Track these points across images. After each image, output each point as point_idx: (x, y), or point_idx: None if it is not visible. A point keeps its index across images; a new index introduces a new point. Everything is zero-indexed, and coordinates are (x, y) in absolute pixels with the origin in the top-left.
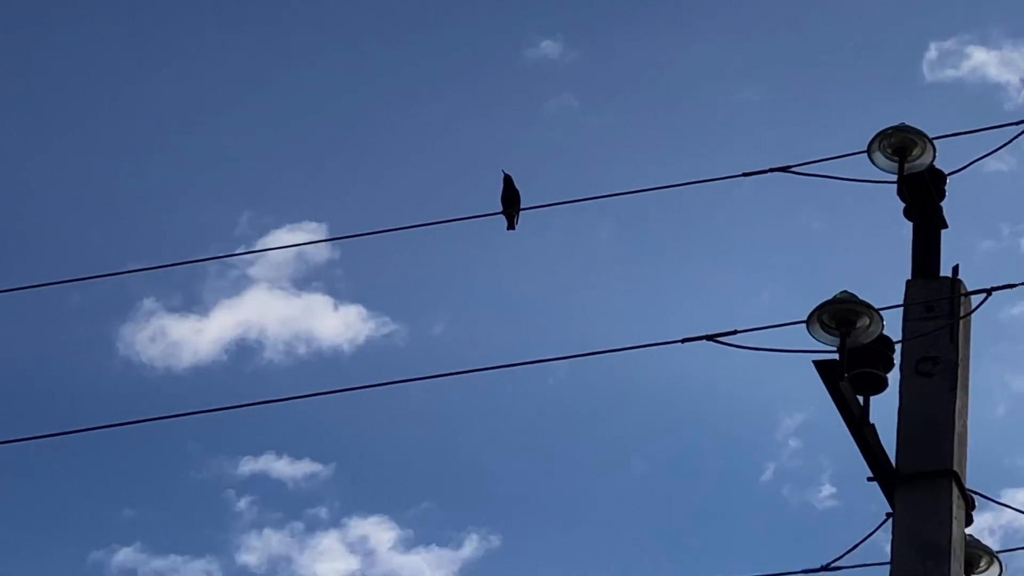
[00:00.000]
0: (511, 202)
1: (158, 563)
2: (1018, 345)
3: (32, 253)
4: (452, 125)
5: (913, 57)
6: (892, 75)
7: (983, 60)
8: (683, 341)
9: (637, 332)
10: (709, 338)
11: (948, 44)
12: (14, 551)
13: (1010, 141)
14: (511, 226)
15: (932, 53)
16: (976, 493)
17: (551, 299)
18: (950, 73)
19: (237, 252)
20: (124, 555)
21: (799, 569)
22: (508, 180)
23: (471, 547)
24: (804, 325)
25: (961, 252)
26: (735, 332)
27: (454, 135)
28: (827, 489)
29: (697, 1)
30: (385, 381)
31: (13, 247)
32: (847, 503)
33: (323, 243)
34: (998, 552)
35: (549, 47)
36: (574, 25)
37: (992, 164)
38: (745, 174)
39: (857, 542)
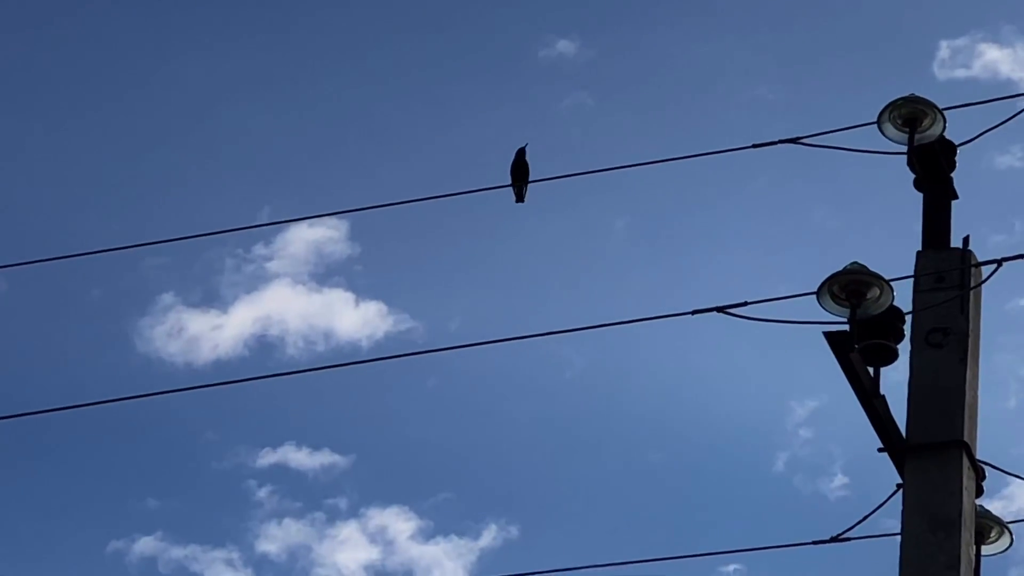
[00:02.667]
0: (520, 174)
1: (178, 552)
2: None
3: (51, 250)
4: (469, 124)
5: (924, 55)
6: (903, 73)
7: (995, 58)
8: (693, 313)
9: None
10: (719, 310)
11: (959, 42)
12: (33, 542)
13: (1019, 113)
14: (519, 199)
15: (944, 51)
16: (986, 464)
17: (567, 295)
18: (961, 72)
19: (260, 224)
20: (144, 544)
21: (809, 540)
22: (520, 152)
23: (489, 537)
24: (814, 297)
25: (974, 243)
26: (745, 304)
27: (471, 134)
28: (839, 479)
29: (710, 0)
30: (386, 356)
31: (31, 242)
32: (859, 493)
33: (344, 240)
34: (1009, 523)
35: (564, 47)
36: (589, 25)
37: (1005, 160)
38: (755, 145)
39: (867, 513)
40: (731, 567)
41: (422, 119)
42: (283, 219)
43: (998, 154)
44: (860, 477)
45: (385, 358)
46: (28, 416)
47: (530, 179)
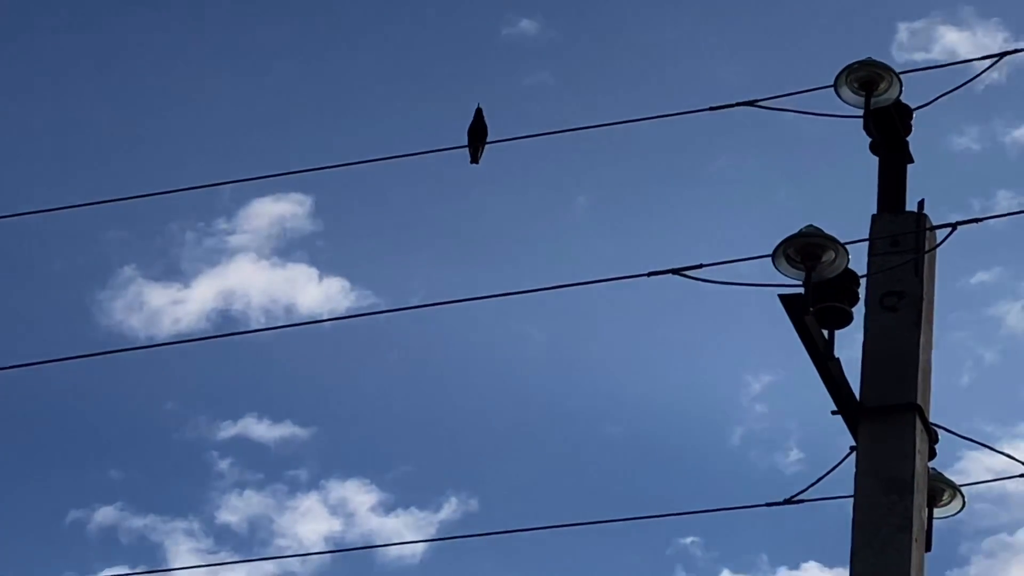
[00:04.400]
0: (478, 135)
1: (138, 522)
2: (980, 312)
3: (12, 221)
4: (430, 101)
5: (883, 38)
6: (862, 56)
7: (954, 40)
8: (649, 275)
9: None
10: (675, 271)
11: (918, 24)
12: None
13: (978, 75)
14: (474, 159)
15: (902, 34)
16: (940, 427)
17: (529, 272)
18: (920, 55)
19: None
20: (104, 514)
21: (762, 502)
22: (479, 113)
23: (449, 510)
24: (770, 260)
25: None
26: (700, 266)
27: (432, 110)
28: (795, 454)
29: None
30: (347, 314)
31: None
32: (814, 467)
33: (307, 215)
34: (961, 486)
35: (527, 26)
36: (551, 5)
37: (962, 142)
38: (712, 108)
39: (820, 476)
40: (688, 539)
41: (385, 96)
42: (245, 194)
43: (955, 136)
44: (815, 451)
45: (332, 319)
46: None
47: (488, 140)
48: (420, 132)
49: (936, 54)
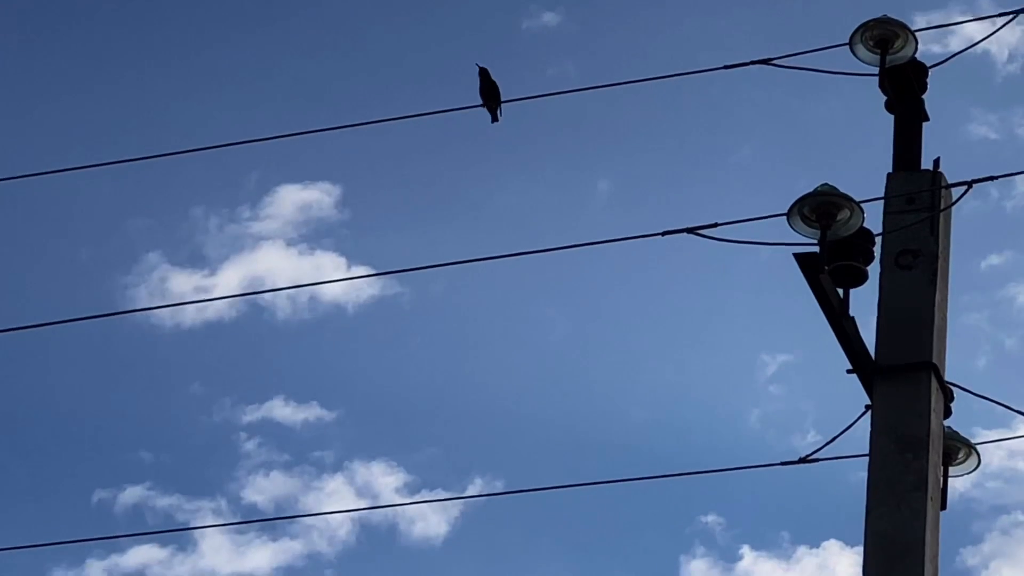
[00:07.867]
0: (491, 95)
1: (165, 501)
2: (992, 295)
3: (41, 211)
4: (452, 92)
5: None
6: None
7: (973, 31)
8: (663, 234)
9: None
10: (690, 231)
11: (934, 16)
12: (20, 491)
13: (994, 32)
14: (494, 119)
15: (920, 26)
16: (955, 385)
17: (550, 258)
18: (936, 48)
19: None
20: (131, 494)
21: (778, 462)
22: (484, 73)
23: (474, 492)
24: (785, 219)
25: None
26: (716, 225)
27: (454, 103)
28: (812, 436)
29: None
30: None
31: (21, 203)
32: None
33: (336, 203)
34: (975, 444)
35: (549, 18)
36: None
37: (980, 131)
38: (726, 67)
39: (835, 435)
40: (709, 517)
41: (407, 89)
42: (270, 181)
43: (974, 125)
44: (832, 430)
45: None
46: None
47: (504, 100)
48: (441, 122)
49: (954, 46)
